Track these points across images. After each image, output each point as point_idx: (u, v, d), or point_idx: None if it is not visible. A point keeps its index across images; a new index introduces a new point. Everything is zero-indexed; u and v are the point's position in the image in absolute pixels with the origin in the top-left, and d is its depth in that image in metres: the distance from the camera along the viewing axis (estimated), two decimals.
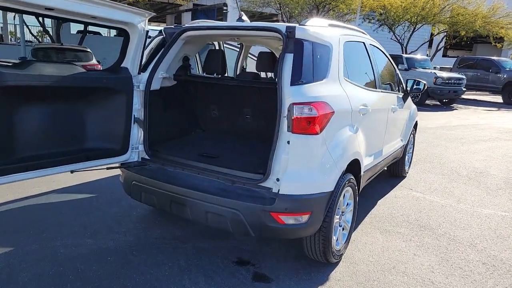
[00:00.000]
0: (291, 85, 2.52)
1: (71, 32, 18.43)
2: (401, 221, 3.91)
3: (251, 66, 5.19)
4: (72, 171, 2.79)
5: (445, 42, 25.60)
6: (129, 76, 2.98)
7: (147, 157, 3.18)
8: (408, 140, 5.13)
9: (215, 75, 3.48)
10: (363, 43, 3.67)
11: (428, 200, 4.55)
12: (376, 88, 3.73)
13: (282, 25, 2.73)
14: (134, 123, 3.11)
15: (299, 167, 2.52)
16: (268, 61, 3.80)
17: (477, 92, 19.68)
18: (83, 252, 3.01)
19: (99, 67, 10.28)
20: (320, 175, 2.59)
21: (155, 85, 3.21)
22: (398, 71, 4.70)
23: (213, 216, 2.68)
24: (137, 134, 3.17)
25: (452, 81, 14.76)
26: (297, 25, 2.70)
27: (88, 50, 10.32)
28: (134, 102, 3.08)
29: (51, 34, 16.22)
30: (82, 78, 2.70)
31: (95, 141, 2.91)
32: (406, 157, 5.26)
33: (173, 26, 3.33)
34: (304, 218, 2.55)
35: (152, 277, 2.71)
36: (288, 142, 2.51)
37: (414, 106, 5.30)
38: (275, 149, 2.56)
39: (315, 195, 2.55)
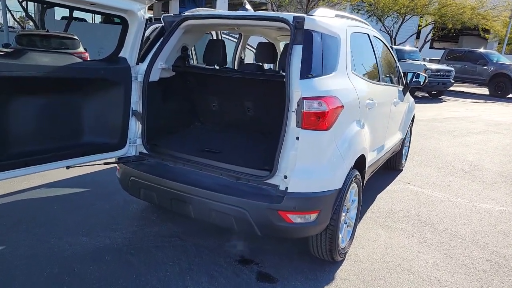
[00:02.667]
0: (300, 78, 2.41)
1: (56, 18, 17.85)
2: (401, 217, 3.88)
3: (248, 57, 5.05)
4: (67, 167, 2.64)
5: (432, 34, 25.73)
6: (128, 66, 2.83)
7: (145, 151, 3.04)
8: (406, 134, 5.09)
9: (215, 66, 3.34)
10: (367, 34, 3.57)
11: (427, 195, 4.54)
12: (379, 82, 3.65)
13: (289, 15, 2.60)
14: (132, 116, 2.97)
15: (308, 164, 2.43)
16: (268, 52, 3.68)
17: (464, 84, 19.89)
18: (78, 251, 2.87)
19: (87, 55, 9.96)
20: (329, 172, 2.50)
21: (153, 76, 3.06)
22: (398, 64, 4.63)
23: (217, 214, 2.57)
24: (135, 127, 3.03)
25: (441, 73, 14.84)
26: (305, 15, 2.58)
27: (75, 37, 9.97)
28: (132, 94, 2.93)
29: (35, 20, 15.66)
30: (79, 69, 2.54)
31: (92, 135, 2.76)
32: (404, 150, 5.23)
33: (172, 15, 3.17)
34: (313, 216, 2.47)
35: (153, 278, 2.61)
36: (297, 138, 2.41)
37: (412, 99, 5.26)
38: (282, 145, 2.46)
39: (324, 192, 2.47)
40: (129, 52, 2.82)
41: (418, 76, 4.62)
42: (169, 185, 2.70)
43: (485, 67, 17.86)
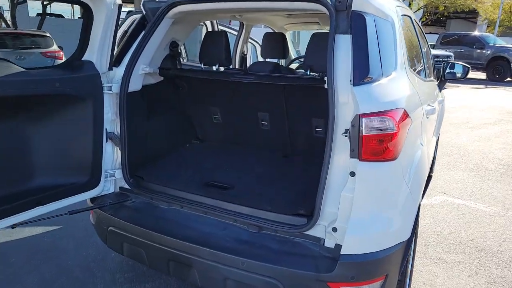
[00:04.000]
0: (354, 84, 1.61)
1: (30, 15, 16.67)
2: (453, 243, 3.14)
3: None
4: (13, 226, 1.82)
5: (425, 18, 25.08)
6: (96, 74, 2.00)
7: (127, 187, 2.23)
8: (439, 135, 4.35)
9: (217, 66, 2.51)
10: (410, 17, 2.78)
11: (471, 209, 3.81)
12: (425, 77, 2.87)
13: None
14: (107, 141, 2.15)
15: (369, 211, 1.65)
16: (278, 44, 2.90)
17: None
18: None
19: (61, 53, 8.99)
20: (398, 219, 1.72)
21: (134, 84, 2.24)
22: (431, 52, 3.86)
23: (235, 285, 1.78)
24: (112, 155, 2.22)
25: (441, 59, 14.17)
26: None
27: (48, 34, 8.99)
28: (106, 110, 2.11)
29: (5, 17, 14.50)
30: (21, 83, 1.71)
31: (49, 175, 1.94)
32: (435, 153, 4.49)
33: (156, 0, 2.32)
34: (376, 285, 1.69)
35: None
36: (352, 174, 1.62)
37: (443, 94, 4.50)
38: (326, 181, 1.68)
39: (391, 249, 1.69)
40: (97, 53, 1.99)
41: (453, 66, 3.86)
42: (163, 241, 1.90)
43: (483, 51, 17.26)
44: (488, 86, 15.27)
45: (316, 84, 2.02)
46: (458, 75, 3.84)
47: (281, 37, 3.03)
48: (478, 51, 17.33)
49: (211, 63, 2.52)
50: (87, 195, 2.09)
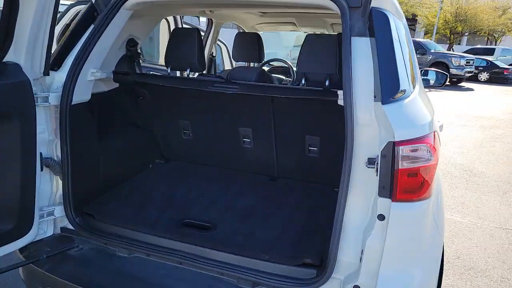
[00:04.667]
0: (385, 102, 1.25)
1: None
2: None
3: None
4: None
5: None
6: (24, 80, 1.47)
7: (72, 227, 1.72)
8: None
9: (188, 72, 2.05)
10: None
11: (449, 220, 3.65)
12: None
13: None
14: (42, 169, 1.62)
15: (404, 264, 1.29)
16: (252, 45, 2.52)
17: None
18: None
19: None
20: (434, 273, 1.39)
21: (80, 94, 1.72)
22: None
23: None
24: (50, 187, 1.70)
25: None
26: None
27: None
28: (40, 129, 1.59)
29: None
30: None
31: None
32: None
33: None
34: None
35: None
36: (381, 217, 1.26)
37: None
38: (342, 224, 1.31)
39: None
40: (26, 53, 1.46)
41: (426, 73, 3.68)
42: None
43: (424, 56, 18.12)
44: (431, 90, 15.98)
45: (326, 98, 1.64)
46: (432, 82, 3.66)
47: (256, 38, 2.65)
48: (420, 56, 18.18)
49: (180, 67, 2.04)
50: (13, 246, 1.54)
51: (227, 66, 4.00)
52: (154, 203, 1.90)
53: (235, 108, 2.02)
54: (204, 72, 3.00)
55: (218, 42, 3.70)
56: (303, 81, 1.84)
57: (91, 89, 1.80)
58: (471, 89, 15.70)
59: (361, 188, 1.32)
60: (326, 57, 1.80)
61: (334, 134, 1.94)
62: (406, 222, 1.25)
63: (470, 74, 16.56)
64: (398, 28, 1.47)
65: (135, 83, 2.04)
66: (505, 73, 16.89)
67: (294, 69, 3.72)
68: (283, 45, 9.04)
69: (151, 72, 3.34)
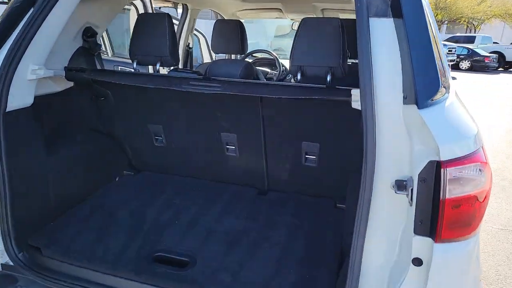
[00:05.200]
0: (421, 105, 0.92)
1: None
2: None
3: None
4: None
5: None
6: None
7: (11, 263, 1.36)
8: None
9: (158, 67, 1.67)
10: None
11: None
12: None
13: None
14: None
15: None
16: (234, 35, 2.19)
17: None
18: None
19: None
20: None
21: (19, 98, 1.35)
22: None
23: None
24: None
25: None
26: None
27: None
28: None
29: None
30: None
31: None
32: None
33: None
34: None
35: None
36: (418, 262, 0.94)
37: None
38: (359, 270, 0.99)
39: None
40: None
41: None
42: None
43: None
44: None
45: (333, 98, 1.31)
46: None
47: (238, 26, 2.28)
48: None
49: (148, 61, 1.67)
50: None
51: (207, 59, 3.62)
52: (119, 229, 1.53)
53: (216, 110, 1.66)
54: (180, 66, 2.62)
55: (196, 33, 3.31)
56: (298, 76, 1.50)
57: (35, 91, 1.42)
58: (454, 78, 15.66)
59: (385, 219, 1.00)
60: (327, 46, 1.47)
61: (337, 140, 1.62)
62: (453, 268, 0.94)
63: (452, 63, 16.53)
64: (428, 4, 1.15)
65: (94, 82, 1.66)
66: (486, 61, 16.93)
67: (281, 61, 3.38)
68: (263, 34, 8.63)
69: (119, 68, 2.95)
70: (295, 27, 3.32)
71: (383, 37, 1.01)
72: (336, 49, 1.47)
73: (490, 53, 17.54)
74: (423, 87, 0.93)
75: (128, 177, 2.00)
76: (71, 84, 1.66)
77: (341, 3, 2.70)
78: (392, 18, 1.02)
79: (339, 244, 1.46)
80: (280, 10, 2.99)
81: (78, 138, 1.76)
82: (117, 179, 1.97)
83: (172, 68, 1.80)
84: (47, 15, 1.34)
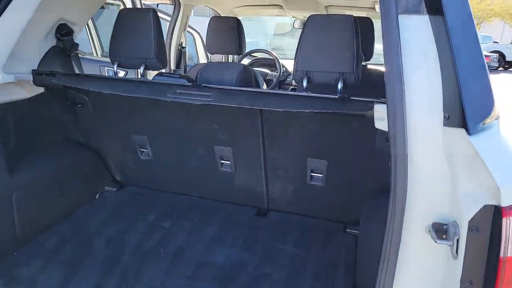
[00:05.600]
0: (472, 130, 0.70)
1: None
2: None
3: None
4: None
5: None
6: None
7: None
8: None
9: (142, 71, 1.45)
10: None
11: None
12: None
13: None
14: None
15: None
16: (231, 33, 1.99)
17: None
18: None
19: None
20: None
21: None
22: None
23: None
24: None
25: None
26: None
27: None
28: None
29: None
30: None
31: None
32: None
33: None
34: None
35: None
36: None
37: None
38: None
39: None
40: None
41: None
42: None
43: None
44: None
45: (348, 113, 1.10)
46: None
47: (235, 24, 2.08)
48: None
49: (130, 64, 1.45)
50: None
51: (202, 59, 3.40)
52: (93, 263, 1.31)
53: (209, 120, 1.45)
54: (172, 67, 2.40)
55: (191, 31, 3.08)
56: (304, 83, 1.28)
57: None
58: None
59: (416, 272, 0.79)
60: (338, 48, 1.26)
61: (348, 157, 1.40)
62: None
63: None
64: None
65: (68, 88, 1.44)
66: (487, 60, 16.71)
67: (281, 62, 3.16)
68: (261, 33, 8.38)
69: (105, 69, 2.72)
70: (297, 25, 3.09)
71: (416, 40, 0.79)
72: (349, 52, 1.25)
73: (491, 52, 17.34)
74: (473, 105, 0.71)
75: (110, 194, 1.77)
76: (40, 90, 1.44)
77: None
78: (428, 15, 0.80)
79: (352, 283, 1.24)
80: (280, 6, 2.76)
81: (50, 150, 1.53)
82: (97, 196, 1.74)
83: (158, 72, 1.58)
84: (5, 8, 1.12)
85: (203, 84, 1.30)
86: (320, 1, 2.63)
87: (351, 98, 1.13)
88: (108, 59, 2.87)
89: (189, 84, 1.27)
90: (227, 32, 2.09)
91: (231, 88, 1.25)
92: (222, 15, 2.85)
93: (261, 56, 3.40)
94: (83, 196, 1.67)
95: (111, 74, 2.54)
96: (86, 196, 1.71)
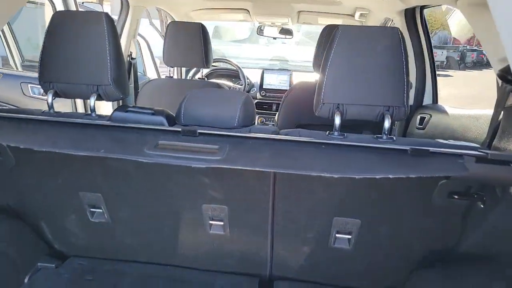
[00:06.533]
0: None
1: None
2: None
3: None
4: None
5: None
6: None
7: None
8: None
9: (94, 102, 0.97)
10: None
11: None
12: None
13: None
14: None
15: None
16: (195, 42, 1.63)
17: None
18: None
19: None
20: None
21: None
22: None
23: None
24: None
25: None
26: None
27: None
28: None
29: None
30: None
31: None
32: None
33: None
34: None
35: None
36: None
37: None
38: None
39: None
40: None
41: None
42: None
43: None
44: None
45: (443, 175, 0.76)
46: None
47: (201, 30, 1.69)
48: None
49: (73, 93, 0.97)
50: None
51: (151, 72, 2.88)
52: None
53: (197, 172, 1.01)
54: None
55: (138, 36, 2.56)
56: (337, 121, 0.91)
57: None
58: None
59: None
60: (384, 73, 0.92)
61: (389, 214, 1.06)
62: None
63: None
64: None
65: None
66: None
67: (245, 73, 2.78)
68: (217, 39, 7.88)
69: (29, 86, 2.10)
70: (268, 33, 2.72)
71: None
72: (398, 77, 0.92)
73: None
74: None
75: (44, 273, 1.24)
76: None
77: (327, 4, 2.18)
78: None
79: None
80: (247, 11, 2.38)
81: None
82: (26, 280, 1.20)
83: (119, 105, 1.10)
84: None
85: (193, 124, 0.87)
86: (293, 6, 2.30)
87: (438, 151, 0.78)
88: (31, 73, 2.28)
89: (178, 129, 0.83)
90: (191, 40, 1.69)
91: (246, 135, 0.83)
92: (176, 20, 2.39)
93: (220, 66, 2.99)
94: (3, 285, 1.13)
95: (37, 95, 1.93)
96: (10, 279, 1.17)
